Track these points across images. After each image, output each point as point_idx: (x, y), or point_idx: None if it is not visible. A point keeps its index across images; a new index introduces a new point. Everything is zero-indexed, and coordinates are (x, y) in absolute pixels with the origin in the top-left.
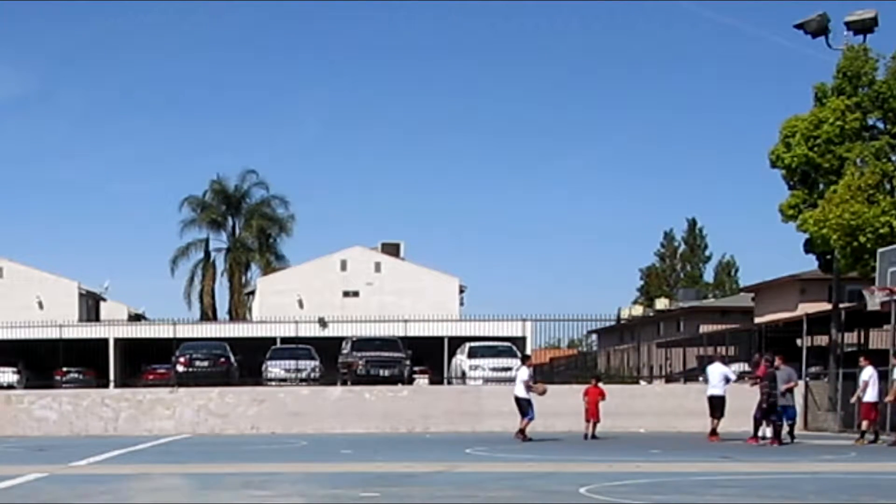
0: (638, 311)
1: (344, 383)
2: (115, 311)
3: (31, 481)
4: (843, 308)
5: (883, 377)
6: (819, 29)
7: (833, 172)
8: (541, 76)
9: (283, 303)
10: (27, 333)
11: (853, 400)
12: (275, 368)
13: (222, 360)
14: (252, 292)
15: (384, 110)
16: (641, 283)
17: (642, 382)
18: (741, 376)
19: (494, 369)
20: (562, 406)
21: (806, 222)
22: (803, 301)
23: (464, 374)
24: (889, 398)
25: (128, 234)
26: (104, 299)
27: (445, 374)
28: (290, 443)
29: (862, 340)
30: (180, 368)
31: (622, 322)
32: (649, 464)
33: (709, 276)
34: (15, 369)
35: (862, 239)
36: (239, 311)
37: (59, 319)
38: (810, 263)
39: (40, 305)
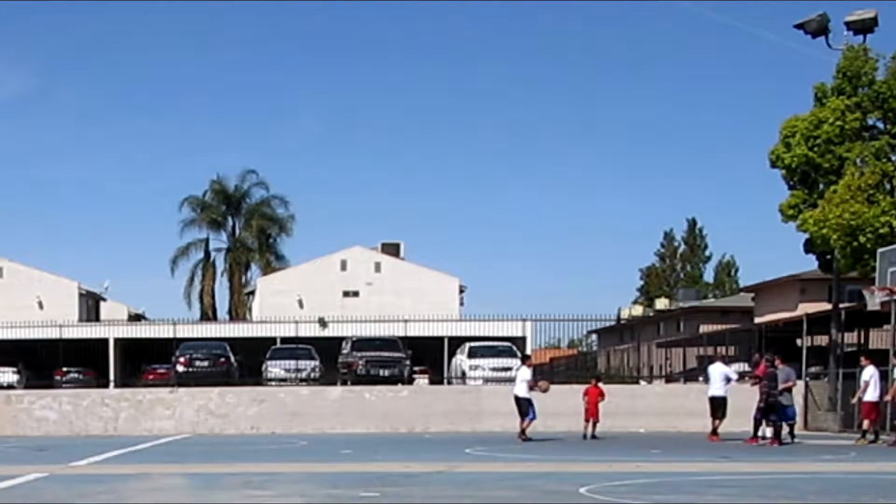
0: (638, 311)
1: (344, 383)
2: (115, 311)
3: (31, 481)
4: (843, 308)
5: (884, 377)
6: (819, 29)
7: (833, 172)
8: (541, 76)
9: (283, 303)
10: (27, 333)
11: (854, 400)
12: (275, 368)
13: (222, 360)
14: (252, 292)
15: (384, 110)
16: (641, 283)
17: (642, 382)
18: (741, 376)
19: (494, 369)
20: (562, 406)
21: (806, 222)
22: (803, 301)
23: (464, 374)
24: (888, 397)
25: (128, 234)
26: (104, 299)
27: (445, 374)
28: (290, 443)
29: (862, 340)
30: (180, 368)
31: (622, 322)
32: (649, 464)
33: (709, 276)
34: (15, 369)
35: (862, 239)
36: (239, 311)
37: (59, 319)
38: (810, 263)
39: (40, 305)
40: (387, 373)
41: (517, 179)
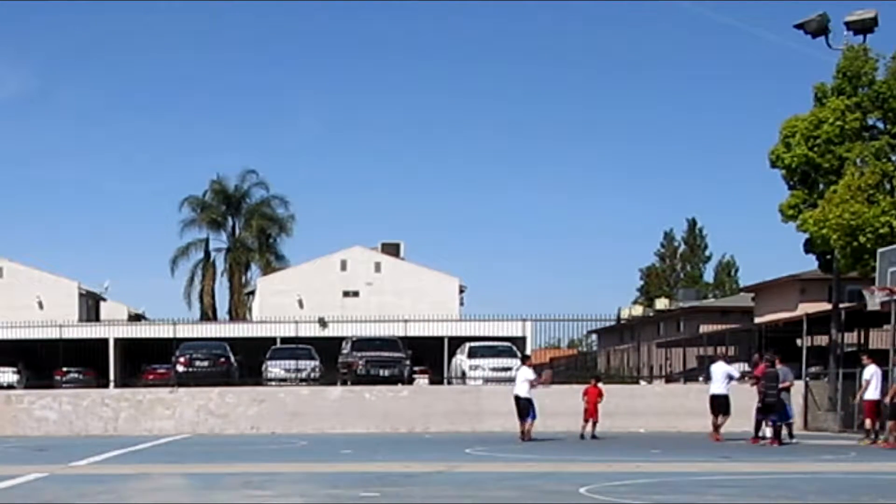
0: (638, 311)
1: (344, 383)
2: (115, 311)
3: (31, 481)
4: (843, 308)
5: (885, 377)
6: (819, 29)
7: (833, 172)
8: (541, 76)
9: (283, 303)
10: (27, 333)
11: (856, 399)
12: (275, 368)
13: (222, 360)
14: (252, 292)
15: (384, 110)
16: (641, 283)
17: (642, 382)
18: (742, 375)
19: (494, 369)
20: (561, 406)
21: (806, 222)
22: (803, 301)
23: (464, 374)
24: (887, 399)
25: (128, 234)
26: (104, 299)
27: (445, 374)
28: (290, 443)
29: (862, 340)
30: (180, 368)
31: (622, 322)
32: (649, 464)
33: (709, 276)
34: (15, 369)
35: (862, 239)
36: (239, 311)
37: (59, 319)
38: (810, 263)
39: (40, 305)
40: (387, 373)
41: (517, 179)
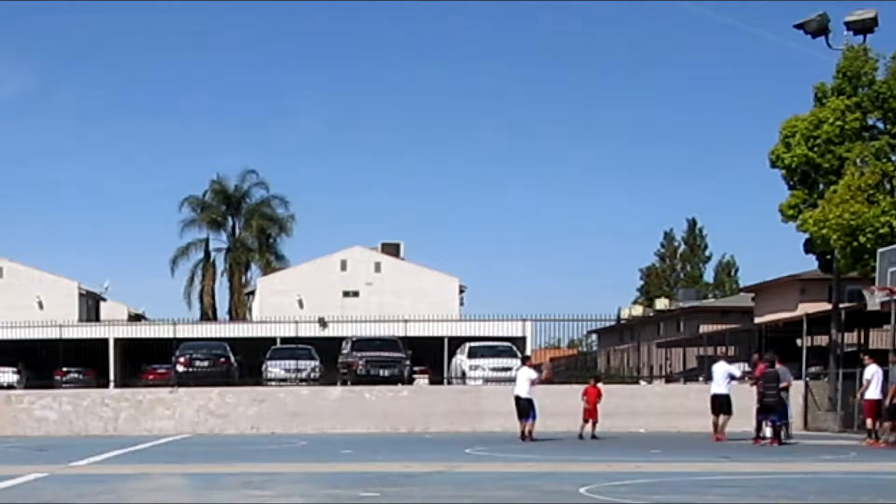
0: (638, 311)
1: (344, 383)
2: (115, 311)
3: (31, 481)
4: (843, 308)
5: (886, 378)
6: (819, 29)
7: (833, 172)
8: (541, 76)
9: (283, 303)
10: (27, 333)
11: (857, 398)
12: (275, 368)
13: (222, 360)
14: (252, 292)
15: (384, 110)
16: (641, 283)
17: (642, 382)
18: (743, 375)
19: (494, 369)
20: (561, 406)
21: (806, 222)
22: (803, 301)
23: (464, 374)
24: (887, 401)
25: (128, 234)
26: (104, 299)
27: (445, 374)
28: (290, 443)
29: (862, 340)
30: (180, 368)
31: (622, 322)
32: (649, 464)
33: (709, 276)
34: (15, 369)
35: (862, 239)
36: (239, 311)
37: (59, 319)
38: (810, 263)
39: (40, 305)
40: (387, 373)
41: (517, 179)
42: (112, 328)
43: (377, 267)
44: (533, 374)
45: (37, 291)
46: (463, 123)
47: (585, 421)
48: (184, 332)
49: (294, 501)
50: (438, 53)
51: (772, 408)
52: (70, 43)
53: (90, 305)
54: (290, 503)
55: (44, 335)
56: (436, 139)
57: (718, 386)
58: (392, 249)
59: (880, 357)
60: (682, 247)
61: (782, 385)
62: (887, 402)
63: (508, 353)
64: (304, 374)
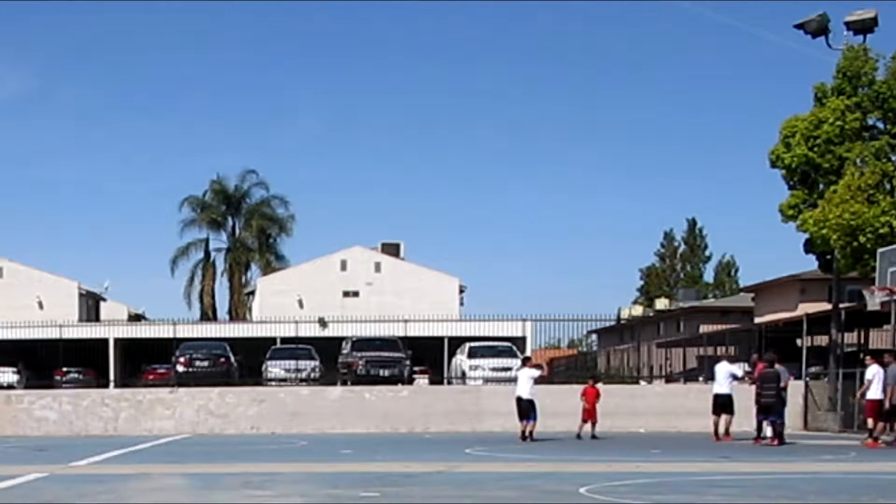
0: (638, 311)
1: (344, 383)
2: (115, 311)
3: (31, 481)
4: (843, 308)
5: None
6: (819, 29)
7: (833, 172)
8: (541, 76)
9: (283, 303)
10: (27, 333)
11: (857, 397)
12: (275, 368)
13: (222, 360)
14: (252, 292)
15: (384, 110)
16: (641, 283)
17: (642, 382)
18: (745, 375)
19: (494, 369)
20: (561, 406)
21: (806, 222)
22: (803, 301)
23: (464, 374)
24: (887, 402)
25: (128, 234)
26: (104, 299)
27: (445, 374)
28: (290, 443)
29: (862, 340)
30: (180, 368)
31: (622, 322)
32: (649, 464)
33: (709, 276)
34: (15, 369)
35: (862, 239)
36: (239, 311)
37: (59, 319)
38: (810, 263)
39: (40, 305)
40: (387, 373)
41: (517, 179)
42: (112, 328)
43: (377, 267)
44: (535, 373)
45: (37, 291)
46: (463, 123)
47: (584, 421)
48: (184, 332)
49: (294, 501)
50: (438, 53)
51: (770, 407)
52: (70, 43)
53: (90, 305)
54: (290, 503)
55: (44, 335)
56: (436, 139)
57: (720, 386)
58: (392, 249)
59: (880, 357)
60: (682, 247)
61: (782, 385)
62: (887, 403)
63: (508, 353)
64: (304, 374)
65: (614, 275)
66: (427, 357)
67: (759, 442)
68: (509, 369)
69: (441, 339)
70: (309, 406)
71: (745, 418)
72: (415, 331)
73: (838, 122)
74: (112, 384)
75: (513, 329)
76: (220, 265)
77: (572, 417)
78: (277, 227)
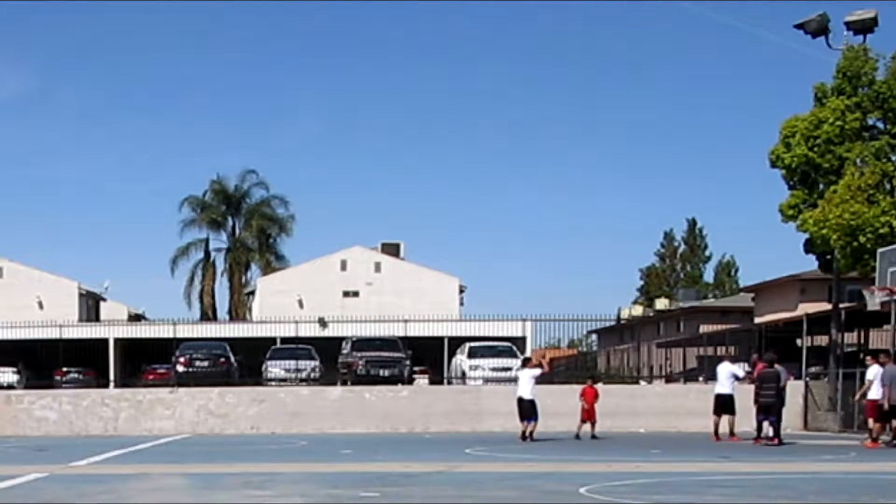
0: (638, 311)
1: (344, 383)
2: (115, 311)
3: (31, 481)
4: (843, 308)
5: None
6: (819, 29)
7: (833, 172)
8: (541, 76)
9: (283, 303)
10: (27, 333)
11: (858, 397)
12: (275, 368)
13: (222, 360)
14: (252, 292)
15: (384, 110)
16: (641, 283)
17: (642, 382)
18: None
19: (494, 369)
20: (562, 406)
21: (806, 222)
22: (803, 301)
23: (464, 374)
24: (887, 403)
25: (128, 234)
26: (104, 299)
27: (445, 374)
28: (290, 443)
29: (862, 340)
30: (180, 368)
31: (622, 322)
32: (649, 464)
33: (709, 276)
34: (15, 369)
35: (862, 239)
36: (239, 311)
37: (59, 319)
38: (810, 263)
39: (40, 305)
40: (387, 373)
41: (517, 179)
42: (112, 328)
43: (377, 267)
44: (537, 372)
45: (37, 291)
46: (463, 123)
47: (583, 421)
48: (184, 332)
49: (294, 501)
50: (438, 53)
51: (769, 407)
52: (70, 43)
53: (90, 305)
54: (290, 503)
55: (44, 335)
56: (436, 139)
57: (722, 386)
58: (392, 249)
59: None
60: (682, 247)
61: (782, 385)
62: (885, 403)
63: (508, 353)
64: (304, 374)
65: (614, 275)
66: (427, 357)
67: (760, 442)
68: (509, 369)
69: (441, 339)
70: (309, 406)
71: (746, 418)
72: (415, 331)
73: (838, 122)
74: (112, 384)
75: (513, 329)
76: (220, 265)
77: (572, 417)
78: (277, 227)
